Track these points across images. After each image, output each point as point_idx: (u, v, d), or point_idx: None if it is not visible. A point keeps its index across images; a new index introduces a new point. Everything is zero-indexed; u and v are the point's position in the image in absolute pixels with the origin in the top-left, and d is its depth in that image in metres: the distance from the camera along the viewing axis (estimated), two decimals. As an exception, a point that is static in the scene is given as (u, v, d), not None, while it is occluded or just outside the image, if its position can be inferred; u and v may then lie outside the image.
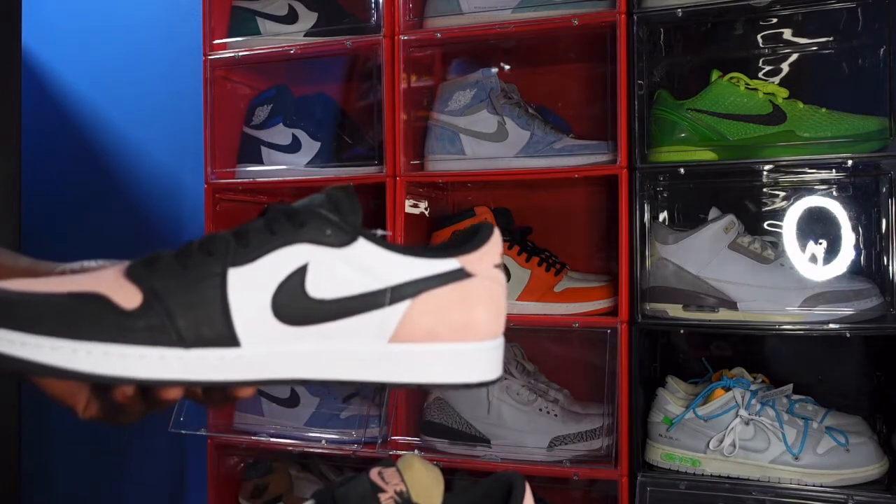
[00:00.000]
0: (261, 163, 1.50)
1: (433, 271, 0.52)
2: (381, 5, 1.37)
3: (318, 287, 0.50)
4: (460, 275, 0.52)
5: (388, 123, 1.36)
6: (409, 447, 1.35)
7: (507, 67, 1.55)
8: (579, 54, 1.50)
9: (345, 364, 0.50)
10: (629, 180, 1.24)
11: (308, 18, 1.47)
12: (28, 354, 0.45)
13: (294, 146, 1.49)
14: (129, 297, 0.48)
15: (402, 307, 0.51)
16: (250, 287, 0.49)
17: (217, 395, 0.54)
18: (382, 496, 0.50)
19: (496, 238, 0.55)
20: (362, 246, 0.51)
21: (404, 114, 1.37)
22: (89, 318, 0.47)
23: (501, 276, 0.54)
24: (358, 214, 0.51)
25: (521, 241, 1.39)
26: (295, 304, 0.49)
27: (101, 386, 0.54)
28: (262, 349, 0.49)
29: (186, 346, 0.48)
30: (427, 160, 1.40)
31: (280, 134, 1.50)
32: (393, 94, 1.36)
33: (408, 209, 1.39)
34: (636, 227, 1.24)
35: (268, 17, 1.48)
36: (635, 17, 1.23)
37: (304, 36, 1.46)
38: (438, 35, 1.35)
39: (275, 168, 1.49)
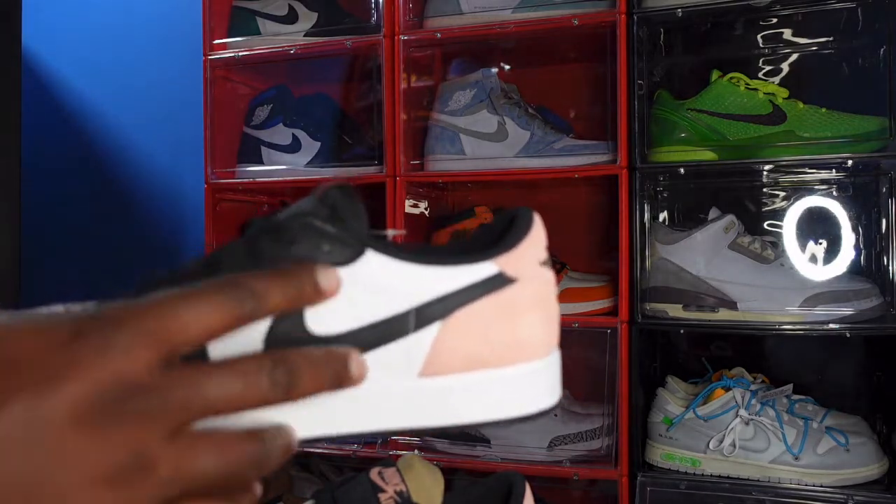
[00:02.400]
0: (261, 163, 1.50)
1: (465, 281, 0.41)
2: (381, 5, 1.37)
3: (321, 321, 0.39)
4: (499, 281, 0.42)
5: (388, 123, 1.36)
6: (409, 447, 1.35)
7: (507, 67, 1.55)
8: (579, 54, 1.50)
9: (366, 413, 0.40)
10: (629, 180, 1.24)
11: (308, 18, 1.47)
12: None
13: (294, 146, 1.49)
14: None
15: (431, 331, 0.41)
16: (234, 333, 0.38)
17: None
18: (382, 496, 0.49)
19: (538, 227, 0.44)
20: (371, 260, 0.40)
21: (404, 114, 1.37)
22: None
23: (550, 274, 0.44)
24: (361, 219, 0.41)
25: (521, 241, 1.39)
26: (295, 346, 0.39)
27: None
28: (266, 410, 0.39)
29: None
30: (427, 160, 1.40)
31: (280, 134, 1.50)
32: (393, 94, 1.36)
33: (408, 209, 1.39)
34: (636, 227, 1.24)
35: (268, 17, 1.48)
36: (635, 17, 1.23)
37: (304, 36, 1.46)
38: (438, 35, 1.35)
39: (275, 168, 1.49)
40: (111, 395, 0.32)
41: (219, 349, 0.38)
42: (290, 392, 0.36)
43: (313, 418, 0.40)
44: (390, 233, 0.42)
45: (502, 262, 0.42)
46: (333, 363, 0.38)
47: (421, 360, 0.41)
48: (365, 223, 0.41)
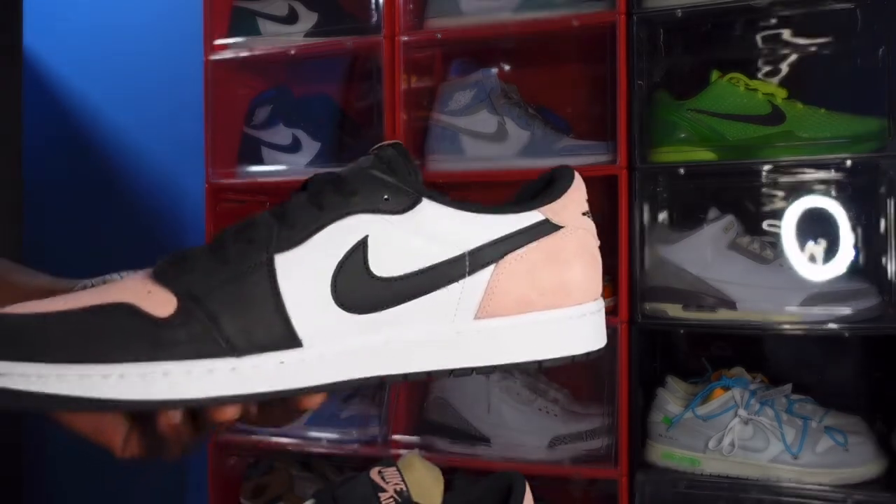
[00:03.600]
0: (261, 163, 1.51)
1: (514, 227, 0.44)
2: (381, 6, 1.37)
3: (384, 263, 0.42)
4: (546, 227, 0.45)
5: (388, 124, 1.37)
6: (410, 446, 1.36)
7: (507, 67, 1.55)
8: (579, 54, 1.51)
9: (427, 352, 0.43)
10: (629, 180, 1.24)
11: (308, 19, 1.47)
12: (49, 388, 0.37)
13: (294, 146, 1.50)
14: (161, 303, 0.41)
15: (485, 275, 0.43)
16: (304, 274, 0.42)
17: (278, 411, 0.46)
18: (383, 496, 0.49)
19: (579, 181, 0.47)
20: (427, 208, 0.43)
21: (404, 114, 1.37)
22: (117, 334, 0.39)
23: (592, 224, 0.48)
24: (417, 173, 0.44)
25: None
26: (359, 288, 0.42)
27: (142, 416, 0.46)
28: (329, 347, 0.42)
29: (238, 354, 0.40)
30: (427, 160, 1.40)
31: (280, 134, 1.50)
32: (393, 95, 1.37)
33: (408, 209, 1.39)
34: (636, 228, 1.24)
35: (268, 17, 1.48)
36: (635, 18, 1.23)
37: (305, 36, 1.46)
38: (438, 36, 1.35)
39: (275, 168, 1.49)
40: None
41: (290, 287, 0.41)
42: None
43: (385, 358, 0.42)
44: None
45: (547, 211, 0.45)
46: None
47: (476, 302, 0.43)
48: (419, 175, 0.44)
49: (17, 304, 0.41)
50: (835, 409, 1.24)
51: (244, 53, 1.47)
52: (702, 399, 1.22)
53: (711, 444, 1.20)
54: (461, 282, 0.43)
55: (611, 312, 1.28)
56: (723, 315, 1.21)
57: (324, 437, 1.41)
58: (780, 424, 1.18)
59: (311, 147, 1.49)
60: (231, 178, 1.52)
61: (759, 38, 1.39)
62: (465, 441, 1.34)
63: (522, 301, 0.44)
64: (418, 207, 0.43)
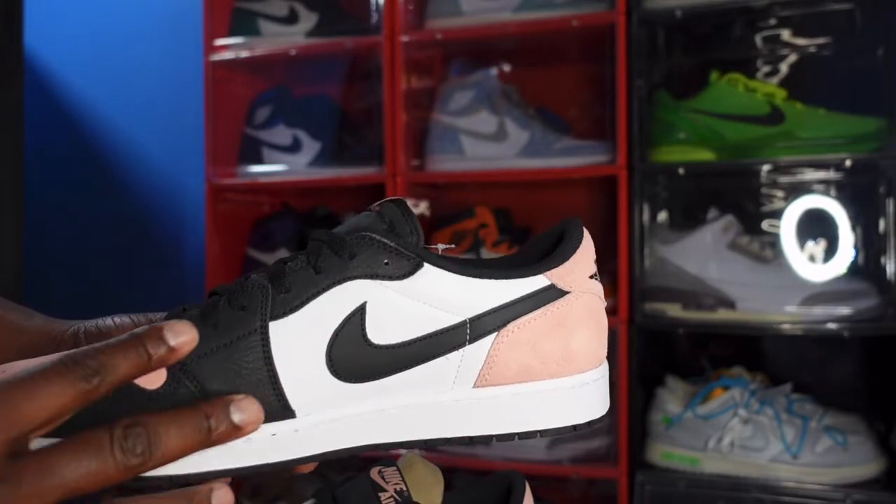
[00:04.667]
0: (262, 163, 1.51)
1: (518, 293, 0.43)
2: (381, 6, 1.37)
3: (382, 331, 0.41)
4: (551, 294, 0.43)
5: (388, 124, 1.37)
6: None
7: (507, 68, 1.55)
8: (579, 55, 1.51)
9: (424, 421, 0.42)
10: (628, 180, 1.25)
11: (308, 19, 1.47)
12: None
13: (295, 147, 1.50)
14: (151, 374, 0.39)
15: (486, 343, 0.42)
16: (299, 342, 0.40)
17: (268, 475, 0.45)
18: (383, 495, 0.49)
19: (587, 241, 0.45)
20: (428, 273, 0.42)
21: (404, 114, 1.37)
22: (107, 409, 0.38)
23: (599, 287, 0.45)
24: (418, 234, 0.43)
25: (521, 241, 1.39)
26: (356, 356, 0.41)
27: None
28: (323, 416, 0.41)
29: None
30: (427, 160, 1.40)
31: (281, 134, 1.50)
32: (393, 95, 1.37)
33: (408, 209, 1.39)
34: (635, 227, 1.24)
35: (268, 17, 1.48)
36: (635, 18, 1.23)
37: (305, 37, 1.46)
38: (438, 36, 1.36)
39: (276, 168, 1.49)
40: None
41: (284, 356, 0.40)
42: (147, 461, 0.35)
43: (381, 428, 0.41)
44: (441, 247, 0.44)
45: (553, 275, 0.43)
46: (206, 419, 0.37)
47: (477, 370, 0.42)
48: (421, 238, 0.43)
49: (8, 365, 0.40)
50: (834, 408, 1.24)
51: (244, 54, 1.48)
52: (702, 399, 1.22)
53: (711, 443, 1.20)
54: (461, 350, 0.42)
55: (611, 312, 1.28)
56: (722, 315, 1.21)
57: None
58: (779, 424, 1.18)
59: (311, 147, 1.49)
60: (231, 178, 1.52)
61: (758, 38, 1.39)
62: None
63: (524, 370, 0.43)
64: (419, 273, 0.42)
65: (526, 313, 0.43)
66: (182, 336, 0.37)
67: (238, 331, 0.41)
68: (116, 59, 1.97)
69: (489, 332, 0.42)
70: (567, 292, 0.43)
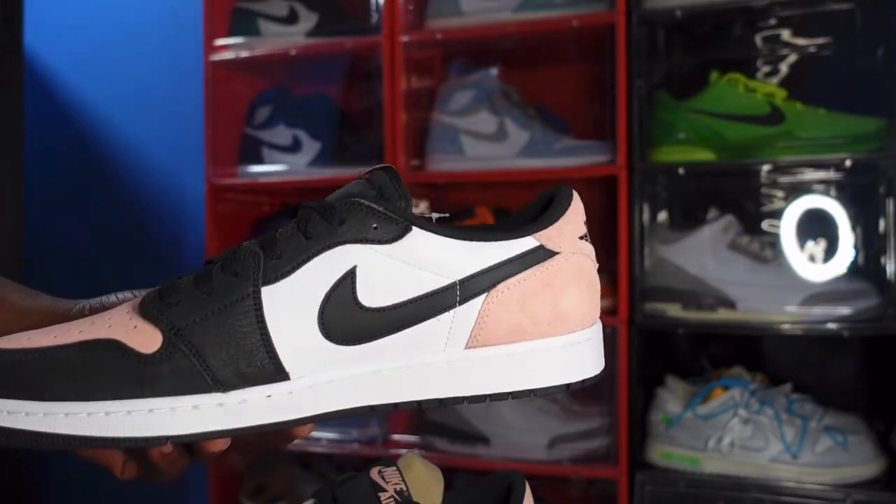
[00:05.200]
0: (262, 163, 1.51)
1: (507, 254, 0.43)
2: (381, 6, 1.37)
3: (372, 293, 0.42)
4: (541, 254, 0.43)
5: (388, 124, 1.37)
6: (409, 446, 1.36)
7: (507, 68, 1.55)
8: (579, 55, 1.51)
9: (417, 382, 0.42)
10: (628, 180, 1.25)
11: (308, 19, 1.47)
12: (37, 426, 0.38)
13: (295, 147, 1.50)
14: (146, 338, 0.41)
15: (476, 303, 0.42)
16: (291, 306, 0.41)
17: (269, 437, 0.46)
18: (383, 495, 0.49)
19: (577, 204, 0.46)
20: (417, 236, 0.42)
21: (404, 114, 1.37)
22: (103, 372, 0.40)
23: (590, 247, 0.46)
24: (407, 199, 0.43)
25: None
26: (347, 319, 0.42)
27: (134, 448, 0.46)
28: (317, 378, 0.42)
29: (224, 388, 0.41)
30: (427, 160, 1.40)
31: (281, 134, 1.50)
32: (393, 95, 1.37)
33: (408, 209, 1.39)
34: (635, 227, 1.24)
35: (268, 17, 1.48)
36: (635, 18, 1.23)
37: (305, 37, 1.46)
38: (438, 36, 1.36)
39: (276, 168, 1.49)
40: None
41: (277, 320, 0.41)
42: None
43: (374, 389, 0.42)
44: (434, 215, 0.44)
45: (542, 237, 0.44)
46: None
47: (468, 331, 0.43)
48: (410, 203, 0.43)
49: (9, 337, 0.42)
50: (834, 408, 1.24)
51: (244, 54, 1.48)
52: (702, 399, 1.22)
53: (711, 443, 1.20)
54: (452, 311, 0.42)
55: (611, 312, 1.28)
56: (722, 315, 1.21)
57: (324, 436, 1.41)
58: (779, 424, 1.18)
59: (311, 147, 1.49)
60: (231, 178, 1.52)
61: (758, 38, 1.39)
62: (465, 441, 1.34)
63: (515, 329, 0.43)
64: (408, 236, 0.42)
65: (515, 274, 0.43)
66: None
67: (231, 296, 0.42)
68: (116, 58, 1.97)
69: (479, 293, 0.43)
70: (556, 253, 0.44)
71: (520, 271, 0.43)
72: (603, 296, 1.47)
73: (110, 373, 0.40)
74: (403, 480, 0.49)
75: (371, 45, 1.39)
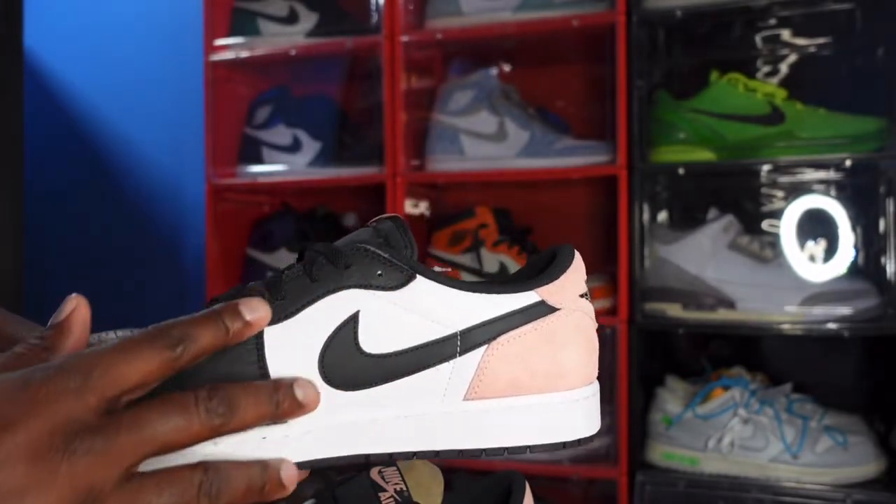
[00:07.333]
0: (261, 163, 1.51)
1: (508, 308, 0.43)
2: (381, 6, 1.37)
3: (374, 340, 0.42)
4: (542, 309, 0.44)
5: (388, 124, 1.37)
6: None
7: (507, 67, 1.55)
8: (579, 55, 1.51)
9: (413, 433, 0.42)
10: (628, 180, 1.25)
11: (308, 19, 1.47)
12: None
13: (295, 146, 1.50)
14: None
15: (476, 355, 0.43)
16: (293, 348, 0.41)
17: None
18: (383, 495, 0.49)
19: (578, 262, 0.46)
20: (421, 285, 0.42)
21: (404, 114, 1.37)
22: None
23: (590, 306, 0.46)
24: (412, 248, 0.44)
25: (521, 241, 1.39)
26: (347, 364, 0.41)
27: None
28: (314, 423, 0.41)
29: None
30: (427, 160, 1.40)
31: (281, 134, 1.50)
32: (393, 95, 1.37)
33: (408, 209, 1.39)
34: (635, 227, 1.24)
35: (268, 17, 1.48)
36: (635, 18, 1.23)
37: (305, 37, 1.46)
38: (439, 36, 1.36)
39: (276, 168, 1.49)
40: (64, 435, 0.34)
41: (278, 362, 0.41)
42: (228, 422, 0.38)
43: (370, 437, 0.42)
44: (438, 269, 0.44)
45: (544, 292, 0.44)
46: (275, 392, 0.39)
47: (466, 383, 0.43)
48: (415, 252, 0.44)
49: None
50: (834, 408, 1.24)
51: (244, 54, 1.48)
52: (702, 399, 1.22)
53: (711, 443, 1.20)
54: (451, 362, 0.42)
55: (611, 312, 1.28)
56: (722, 315, 1.21)
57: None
58: (779, 424, 1.18)
59: (311, 147, 1.49)
60: (231, 178, 1.52)
61: (758, 38, 1.39)
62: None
63: (514, 383, 0.43)
64: (412, 284, 0.42)
65: (516, 327, 0.43)
66: (257, 312, 0.40)
67: None
68: (116, 58, 1.97)
69: (479, 345, 0.43)
70: (557, 309, 0.44)
71: (521, 325, 0.43)
72: (603, 296, 1.47)
73: None
74: (403, 480, 0.49)
75: (371, 45, 1.39)
